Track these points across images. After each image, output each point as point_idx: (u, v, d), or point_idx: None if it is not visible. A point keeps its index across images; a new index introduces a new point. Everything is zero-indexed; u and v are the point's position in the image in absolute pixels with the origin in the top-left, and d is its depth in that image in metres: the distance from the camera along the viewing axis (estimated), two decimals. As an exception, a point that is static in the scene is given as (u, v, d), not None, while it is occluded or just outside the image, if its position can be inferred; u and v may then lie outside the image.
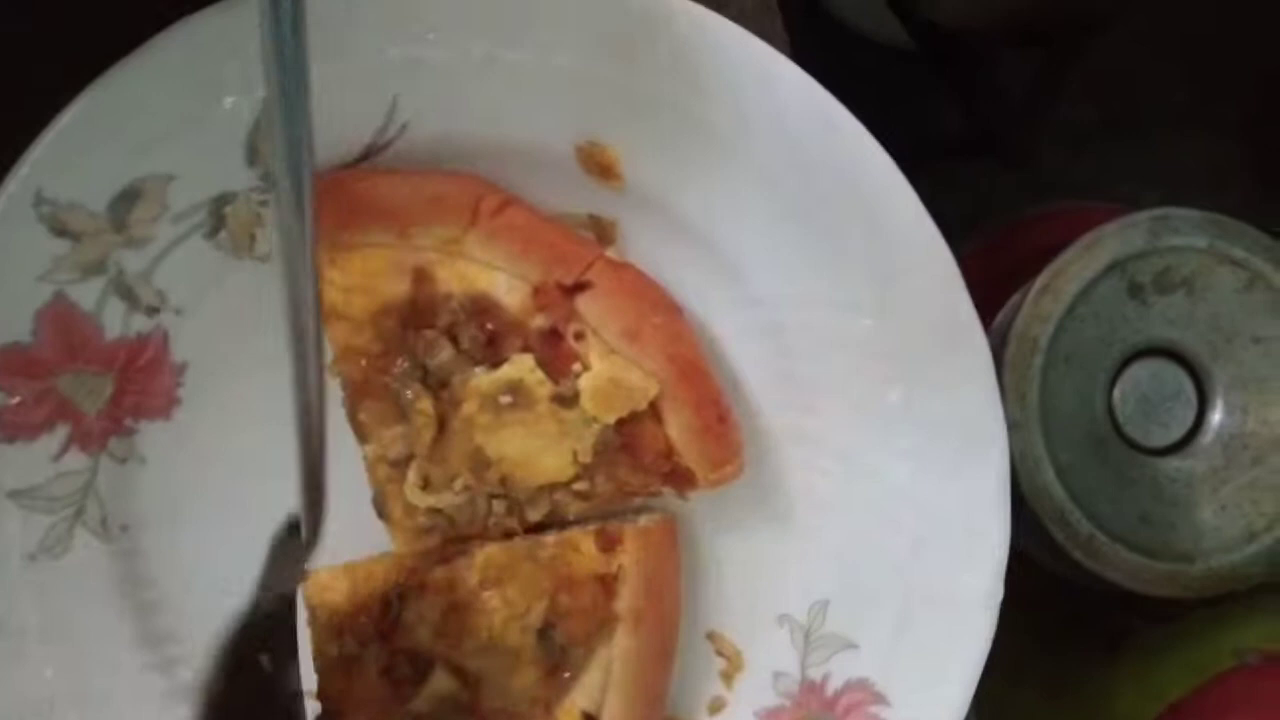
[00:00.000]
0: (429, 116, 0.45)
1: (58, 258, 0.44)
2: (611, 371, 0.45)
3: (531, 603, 0.45)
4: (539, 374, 0.45)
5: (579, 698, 0.45)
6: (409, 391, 0.45)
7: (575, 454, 0.45)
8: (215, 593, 0.47)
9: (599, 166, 0.45)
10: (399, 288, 0.45)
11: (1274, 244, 0.49)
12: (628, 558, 0.45)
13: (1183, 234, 0.49)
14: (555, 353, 0.45)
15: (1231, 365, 0.49)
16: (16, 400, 0.45)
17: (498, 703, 0.45)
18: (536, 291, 0.45)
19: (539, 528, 0.46)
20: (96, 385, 0.46)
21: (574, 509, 0.46)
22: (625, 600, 0.45)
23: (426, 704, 0.45)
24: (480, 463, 0.45)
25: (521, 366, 0.45)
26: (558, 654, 0.45)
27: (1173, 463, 0.50)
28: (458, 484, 0.45)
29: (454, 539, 0.46)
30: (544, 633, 0.45)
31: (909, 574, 0.46)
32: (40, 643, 0.46)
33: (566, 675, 0.45)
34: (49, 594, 0.46)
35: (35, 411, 0.45)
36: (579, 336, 0.45)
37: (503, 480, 0.45)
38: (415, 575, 0.46)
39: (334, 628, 0.45)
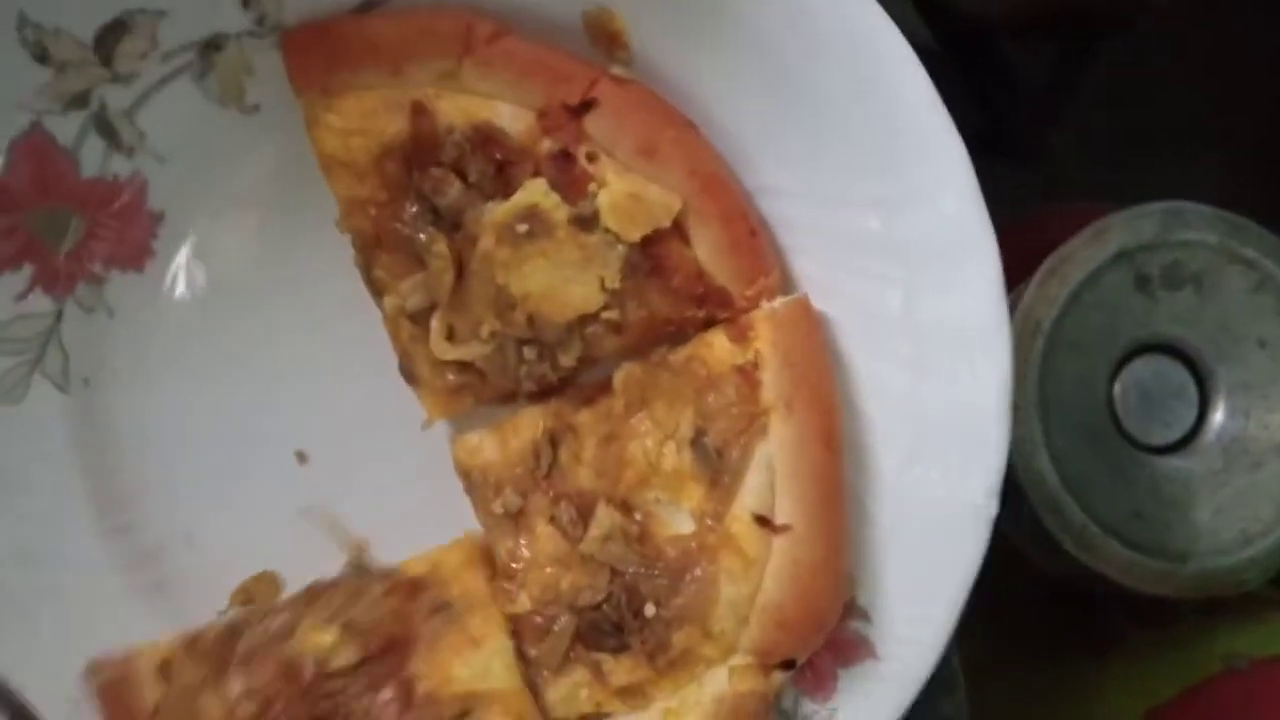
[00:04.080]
0: (433, -29, 0.44)
1: (39, 85, 0.43)
2: (630, 187, 0.43)
3: (679, 415, 0.43)
4: (554, 197, 0.43)
5: (747, 501, 0.43)
6: (422, 235, 0.43)
7: (602, 280, 0.43)
8: (177, 458, 0.47)
9: (606, 35, 0.44)
10: (397, 125, 0.43)
11: (1287, 247, 0.50)
12: (762, 342, 0.43)
13: (1194, 229, 0.49)
14: (569, 176, 0.43)
15: (1236, 367, 0.49)
16: (-18, 232, 0.44)
17: (668, 529, 0.43)
18: (541, 115, 0.43)
19: (573, 376, 0.45)
20: (67, 224, 0.45)
21: (608, 344, 0.44)
22: (770, 388, 0.43)
23: (596, 544, 0.43)
24: (505, 304, 0.43)
25: (534, 191, 0.43)
26: (715, 460, 0.43)
27: (1171, 462, 0.50)
28: (484, 331, 0.44)
29: (489, 399, 0.45)
30: (697, 442, 0.43)
31: (899, 485, 0.44)
32: (-12, 491, 0.45)
33: (727, 480, 0.43)
34: (2, 442, 0.45)
35: (1, 246, 0.44)
36: (592, 158, 0.43)
37: (530, 321, 0.44)
38: (562, 419, 0.44)
39: (491, 486, 0.44)
